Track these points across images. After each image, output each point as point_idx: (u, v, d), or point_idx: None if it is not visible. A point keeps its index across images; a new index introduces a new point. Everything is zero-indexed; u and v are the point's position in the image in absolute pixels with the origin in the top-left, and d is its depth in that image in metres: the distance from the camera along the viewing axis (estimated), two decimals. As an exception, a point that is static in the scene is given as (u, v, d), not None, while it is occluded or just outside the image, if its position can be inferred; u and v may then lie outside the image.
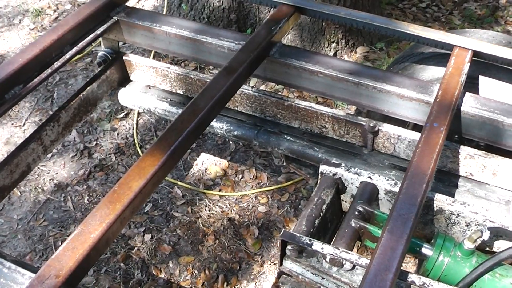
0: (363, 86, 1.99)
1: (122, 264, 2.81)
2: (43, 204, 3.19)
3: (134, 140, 3.50)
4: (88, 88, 2.34)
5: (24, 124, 3.77)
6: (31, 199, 3.22)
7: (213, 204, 3.12)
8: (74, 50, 2.13)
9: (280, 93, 3.71)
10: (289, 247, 1.62)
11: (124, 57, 2.46)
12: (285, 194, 3.18)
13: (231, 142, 3.48)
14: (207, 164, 3.37)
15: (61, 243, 2.92)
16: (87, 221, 1.42)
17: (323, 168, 1.93)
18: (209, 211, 3.08)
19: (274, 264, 2.85)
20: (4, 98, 1.91)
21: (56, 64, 2.07)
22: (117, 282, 2.75)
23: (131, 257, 2.85)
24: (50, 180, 3.33)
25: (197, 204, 3.12)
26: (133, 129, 3.60)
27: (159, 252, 2.88)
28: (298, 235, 1.60)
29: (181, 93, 2.42)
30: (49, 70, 2.04)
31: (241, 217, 3.05)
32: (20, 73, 1.95)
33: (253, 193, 3.18)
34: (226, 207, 3.11)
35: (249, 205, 3.12)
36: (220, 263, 2.84)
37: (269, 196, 3.17)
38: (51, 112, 3.83)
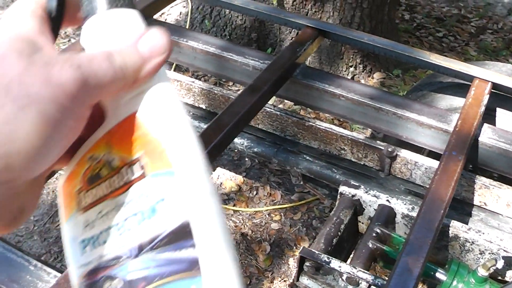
0: (383, 112, 2.03)
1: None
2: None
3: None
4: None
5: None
6: (48, 201, 3.27)
7: (227, 218, 3.16)
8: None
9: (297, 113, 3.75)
10: (307, 263, 1.66)
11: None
12: (297, 213, 3.22)
13: (246, 159, 3.52)
14: (222, 178, 3.41)
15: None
16: (113, 227, 1.46)
17: (342, 189, 1.96)
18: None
19: (284, 281, 2.88)
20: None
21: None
22: None
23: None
24: (67, 185, 3.38)
25: (211, 217, 3.15)
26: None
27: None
28: (316, 252, 1.64)
29: (204, 107, 2.46)
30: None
31: (253, 233, 3.09)
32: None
33: (267, 210, 3.22)
34: (240, 222, 3.15)
35: (262, 222, 3.16)
36: (231, 277, 2.87)
37: (282, 213, 3.21)
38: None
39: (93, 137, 0.63)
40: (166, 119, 0.61)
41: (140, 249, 0.59)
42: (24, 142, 0.49)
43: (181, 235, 0.57)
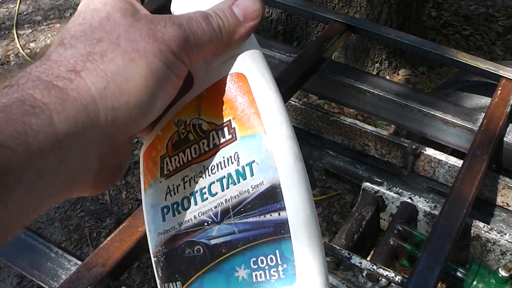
0: (409, 109, 2.02)
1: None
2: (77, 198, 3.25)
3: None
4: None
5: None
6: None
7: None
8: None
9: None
10: (328, 258, 1.67)
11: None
12: (318, 208, 3.22)
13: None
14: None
15: (96, 235, 2.98)
16: (136, 215, 1.46)
17: (365, 185, 1.96)
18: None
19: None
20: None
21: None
22: (147, 278, 2.81)
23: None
24: (89, 172, 3.40)
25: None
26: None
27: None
28: (338, 247, 1.64)
29: (228, 99, 2.46)
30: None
31: (274, 226, 3.09)
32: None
33: (288, 204, 3.22)
34: (260, 215, 3.16)
35: (282, 215, 3.16)
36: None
37: (303, 208, 3.21)
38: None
39: (180, 102, 0.64)
40: (260, 83, 0.61)
41: (225, 214, 0.60)
42: (133, 94, 0.52)
43: (269, 198, 0.58)
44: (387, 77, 4.30)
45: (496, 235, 1.77)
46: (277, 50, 2.21)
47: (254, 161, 0.59)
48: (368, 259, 1.66)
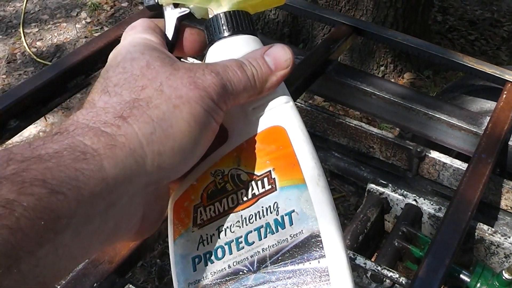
0: (414, 112, 2.03)
1: (158, 260, 2.87)
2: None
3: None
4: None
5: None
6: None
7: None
8: (136, 47, 2.19)
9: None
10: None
11: (182, 59, 2.52)
12: (322, 209, 3.22)
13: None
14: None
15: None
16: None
17: (370, 186, 1.97)
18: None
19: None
20: (66, 86, 1.97)
21: (118, 59, 2.13)
22: (151, 277, 2.81)
23: (167, 254, 2.91)
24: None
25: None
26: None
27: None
28: (342, 248, 1.65)
29: (234, 100, 2.47)
30: (111, 64, 2.10)
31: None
32: (84, 64, 2.01)
33: (291, 205, 3.22)
34: (264, 216, 3.16)
35: (286, 216, 3.17)
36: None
37: (306, 209, 3.21)
38: (100, 106, 3.91)
39: (218, 153, 0.65)
40: (298, 136, 0.64)
41: (261, 263, 0.61)
42: (178, 139, 0.54)
43: (309, 246, 0.60)
44: (392, 80, 4.31)
45: (500, 238, 1.77)
46: (284, 52, 2.21)
47: (293, 211, 0.60)
48: (372, 260, 1.67)
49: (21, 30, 4.81)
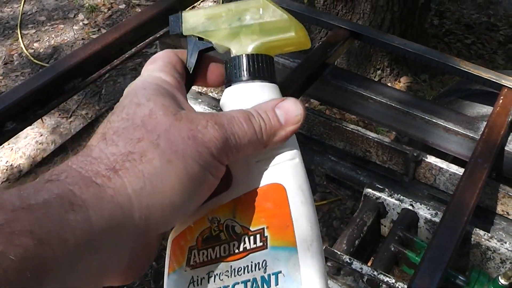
0: (411, 116, 2.03)
1: (154, 263, 2.87)
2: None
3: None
4: (143, 89, 2.40)
5: (71, 116, 3.86)
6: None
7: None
8: (133, 50, 2.19)
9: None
10: (328, 263, 1.67)
11: (179, 63, 2.52)
12: (318, 213, 3.20)
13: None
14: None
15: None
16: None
17: (367, 191, 1.97)
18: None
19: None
20: (63, 89, 1.97)
21: (115, 62, 2.13)
22: (147, 280, 2.82)
23: (163, 257, 2.91)
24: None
25: (233, 213, 3.17)
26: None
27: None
28: (339, 253, 1.65)
29: (231, 103, 2.46)
30: (108, 67, 2.10)
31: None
32: (81, 67, 2.01)
33: (288, 209, 3.23)
34: (260, 219, 3.16)
35: (282, 220, 3.17)
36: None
37: (303, 213, 3.22)
38: (97, 107, 3.91)
39: (217, 200, 0.65)
40: (297, 198, 0.64)
41: None
42: (168, 195, 0.54)
43: None
44: (389, 84, 4.31)
45: (496, 243, 1.77)
46: (281, 55, 2.22)
47: (280, 272, 0.60)
48: (368, 264, 1.67)
49: (18, 31, 4.81)
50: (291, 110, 0.63)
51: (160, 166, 0.53)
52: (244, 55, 0.65)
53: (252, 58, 0.65)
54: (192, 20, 0.67)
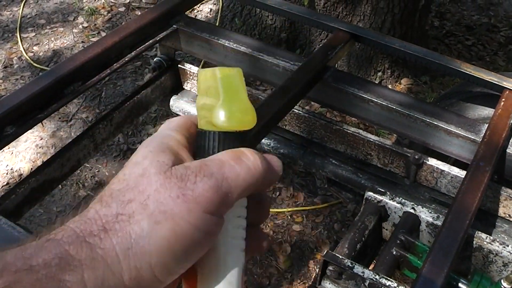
0: (412, 119, 2.02)
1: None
2: (83, 200, 3.26)
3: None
4: (142, 92, 2.40)
5: (71, 119, 3.85)
6: (71, 193, 3.30)
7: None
8: (133, 53, 2.19)
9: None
10: (330, 267, 1.67)
11: (179, 65, 2.52)
12: (320, 216, 3.22)
13: (271, 159, 3.52)
14: (246, 178, 3.42)
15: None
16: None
17: (368, 194, 1.96)
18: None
19: (304, 283, 2.88)
20: (63, 92, 1.97)
21: (115, 65, 2.13)
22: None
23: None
24: (91, 177, 3.41)
25: (233, 216, 3.17)
26: (176, 136, 3.66)
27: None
28: (340, 257, 1.64)
29: (232, 106, 2.45)
30: (107, 70, 2.10)
31: (275, 234, 3.10)
32: (81, 70, 2.01)
33: (289, 211, 3.23)
34: (261, 222, 3.16)
35: (284, 223, 3.17)
36: (251, 276, 2.89)
37: (304, 216, 3.22)
38: (97, 110, 3.91)
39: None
40: None
41: None
42: (155, 255, 0.54)
43: None
44: (389, 86, 4.30)
45: (498, 247, 1.77)
46: (282, 58, 2.21)
47: None
48: (370, 268, 1.66)
49: (18, 34, 4.80)
50: (276, 161, 0.64)
51: (148, 227, 0.54)
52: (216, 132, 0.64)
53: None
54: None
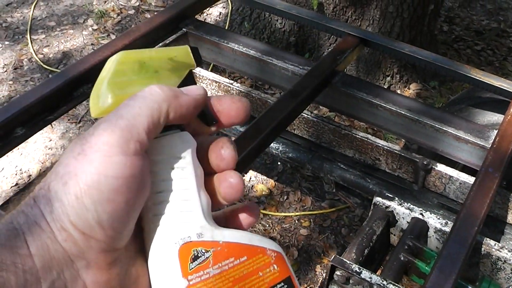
0: (421, 124, 2.02)
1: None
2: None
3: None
4: (151, 95, 2.40)
5: (80, 121, 3.86)
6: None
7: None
8: (142, 57, 2.19)
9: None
10: (337, 272, 1.66)
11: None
12: (327, 220, 3.22)
13: (279, 163, 3.52)
14: (254, 181, 3.42)
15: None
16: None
17: (376, 199, 1.96)
18: (251, 228, 3.13)
19: (311, 287, 2.88)
20: (72, 95, 1.97)
21: (125, 68, 2.13)
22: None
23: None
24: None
25: (241, 219, 3.17)
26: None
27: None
28: (348, 262, 1.64)
29: (240, 110, 2.45)
30: (117, 73, 2.10)
31: (282, 237, 3.10)
32: (91, 73, 2.01)
33: (296, 216, 3.22)
34: (269, 226, 3.16)
35: (291, 227, 3.17)
36: (257, 279, 2.88)
37: (311, 220, 3.21)
38: (106, 113, 3.92)
39: None
40: None
41: None
42: (71, 213, 0.56)
43: None
44: (398, 91, 4.30)
45: (507, 254, 1.76)
46: (291, 62, 2.21)
47: None
48: (378, 274, 1.66)
49: (28, 36, 4.82)
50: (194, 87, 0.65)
51: (58, 190, 0.56)
52: None
53: None
54: None
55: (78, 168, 0.55)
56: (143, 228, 0.63)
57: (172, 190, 0.62)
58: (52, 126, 3.81)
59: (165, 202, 0.62)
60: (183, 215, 0.62)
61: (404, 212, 1.92)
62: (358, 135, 2.16)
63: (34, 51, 4.66)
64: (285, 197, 3.34)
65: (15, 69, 4.51)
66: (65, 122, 3.86)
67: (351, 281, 1.70)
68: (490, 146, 1.84)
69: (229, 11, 4.75)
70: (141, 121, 0.57)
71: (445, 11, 5.36)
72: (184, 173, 0.63)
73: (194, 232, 0.62)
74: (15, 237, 0.54)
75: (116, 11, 5.11)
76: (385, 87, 4.27)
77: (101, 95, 0.62)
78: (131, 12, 5.11)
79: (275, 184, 3.40)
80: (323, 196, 3.33)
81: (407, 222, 1.93)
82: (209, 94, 2.22)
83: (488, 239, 1.80)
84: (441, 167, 2.03)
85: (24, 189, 1.93)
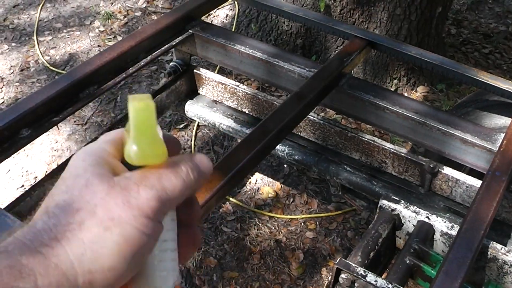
0: (427, 127, 2.02)
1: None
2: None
3: (191, 152, 3.57)
4: (157, 96, 2.41)
5: (86, 123, 3.86)
6: None
7: (262, 223, 3.17)
8: (148, 58, 2.19)
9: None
10: (343, 275, 1.66)
11: (195, 70, 2.53)
12: (333, 223, 3.21)
13: (285, 165, 3.52)
14: (260, 184, 3.41)
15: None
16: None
17: (382, 202, 1.95)
18: (257, 230, 3.13)
19: (316, 290, 2.87)
20: (78, 96, 1.97)
21: (131, 70, 2.13)
22: (160, 287, 2.81)
23: (177, 265, 2.91)
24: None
25: (247, 222, 3.17)
26: (191, 140, 3.67)
27: (204, 264, 2.93)
28: (353, 265, 1.63)
29: (247, 112, 2.46)
30: (123, 75, 2.10)
31: (288, 240, 3.09)
32: (97, 74, 2.02)
33: (302, 218, 3.22)
34: (275, 228, 3.15)
35: (297, 229, 3.16)
36: (263, 282, 2.88)
37: (317, 222, 3.20)
38: (113, 114, 3.92)
39: None
40: None
41: None
42: (107, 259, 0.58)
43: None
44: (405, 94, 4.29)
45: (513, 258, 1.75)
46: (297, 65, 2.21)
47: None
48: (383, 277, 1.65)
49: (35, 38, 4.82)
50: (204, 160, 0.68)
51: (98, 233, 0.57)
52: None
53: None
54: None
55: (123, 218, 0.58)
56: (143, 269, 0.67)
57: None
58: (58, 127, 3.81)
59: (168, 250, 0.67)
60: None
61: (410, 215, 1.92)
62: (365, 138, 2.16)
63: (40, 52, 4.66)
64: (291, 200, 3.33)
65: (21, 70, 4.51)
66: (71, 124, 3.86)
67: (356, 284, 1.69)
68: (497, 149, 1.83)
69: (236, 13, 4.75)
70: (175, 201, 0.63)
71: (453, 13, 5.34)
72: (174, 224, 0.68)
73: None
74: (21, 278, 0.55)
75: (123, 13, 5.11)
76: (392, 89, 4.25)
77: (156, 146, 0.64)
78: (138, 13, 5.11)
79: (281, 186, 3.39)
80: (329, 199, 3.32)
81: (413, 225, 1.92)
82: (215, 96, 2.21)
83: (494, 243, 1.79)
84: (447, 170, 2.03)
85: (30, 190, 1.93)
